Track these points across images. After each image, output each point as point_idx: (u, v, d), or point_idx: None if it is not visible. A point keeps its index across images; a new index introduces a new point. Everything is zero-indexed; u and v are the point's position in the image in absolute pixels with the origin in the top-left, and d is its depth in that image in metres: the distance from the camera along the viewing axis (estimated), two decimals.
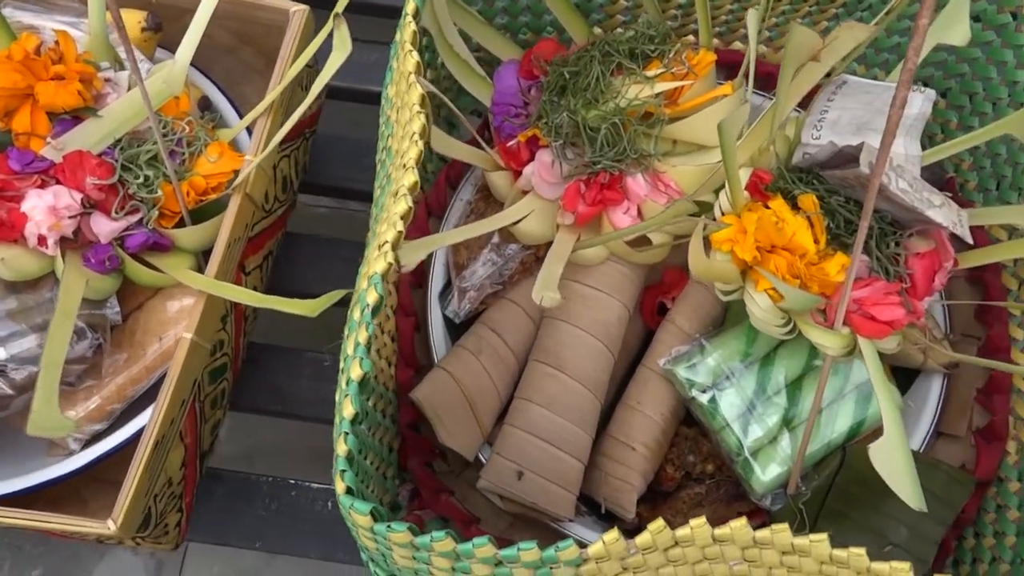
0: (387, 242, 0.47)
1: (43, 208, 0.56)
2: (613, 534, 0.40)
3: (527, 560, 0.40)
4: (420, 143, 0.49)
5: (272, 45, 0.67)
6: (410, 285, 0.63)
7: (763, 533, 0.40)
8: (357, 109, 0.82)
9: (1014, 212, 0.59)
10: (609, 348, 0.60)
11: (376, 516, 0.41)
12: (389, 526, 0.40)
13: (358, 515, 0.41)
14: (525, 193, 0.62)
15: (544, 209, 0.61)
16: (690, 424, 0.61)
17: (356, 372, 0.45)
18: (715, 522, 0.40)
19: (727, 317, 0.62)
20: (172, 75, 0.61)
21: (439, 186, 0.68)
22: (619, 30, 0.70)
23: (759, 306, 0.53)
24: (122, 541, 0.59)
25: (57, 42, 0.59)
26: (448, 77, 0.66)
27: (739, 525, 0.40)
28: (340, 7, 0.58)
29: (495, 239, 0.64)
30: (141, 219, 0.59)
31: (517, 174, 0.62)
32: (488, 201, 0.66)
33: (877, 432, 0.50)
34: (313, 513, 0.69)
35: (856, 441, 0.58)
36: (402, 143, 0.52)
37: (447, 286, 0.65)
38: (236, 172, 0.61)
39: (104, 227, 0.57)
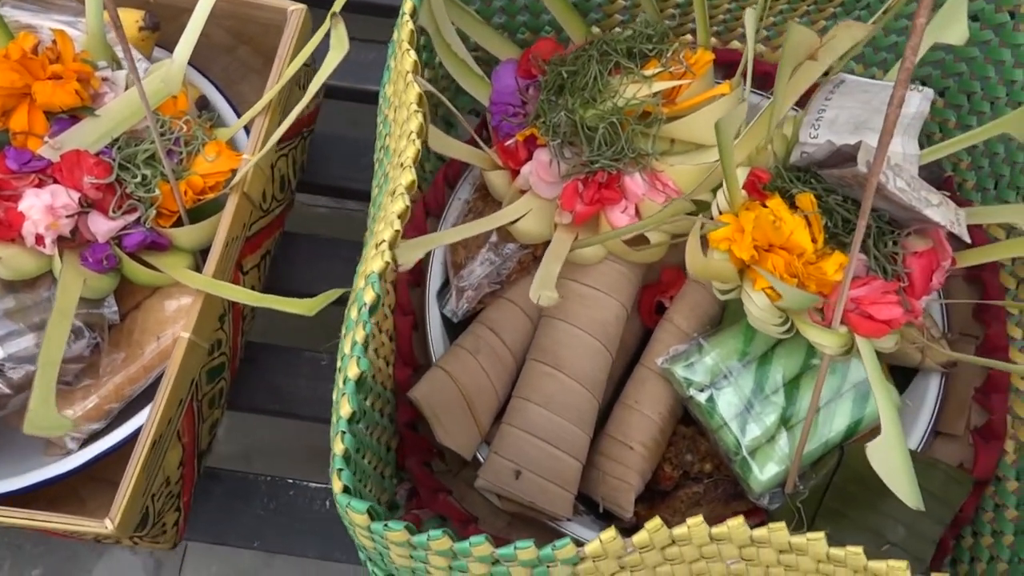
0: (384, 241, 0.47)
1: (40, 207, 0.56)
2: (610, 533, 0.40)
3: (524, 559, 0.40)
4: (417, 142, 0.49)
5: (270, 44, 0.67)
6: (408, 284, 0.63)
7: (760, 532, 0.40)
8: (355, 108, 0.82)
9: (1012, 211, 0.59)
10: (607, 347, 0.60)
11: (373, 515, 0.41)
12: (386, 525, 0.40)
13: (355, 514, 0.41)
14: (523, 192, 0.62)
15: (542, 208, 0.61)
16: (688, 423, 0.61)
17: (353, 371, 0.45)
18: (713, 521, 0.40)
19: (725, 316, 0.62)
20: (170, 74, 0.61)
21: (437, 185, 0.68)
22: (617, 29, 0.70)
23: (757, 305, 0.53)
24: (120, 540, 0.59)
25: (55, 41, 0.59)
26: (446, 76, 0.66)
27: (736, 524, 0.40)
28: (337, 6, 0.58)
29: (493, 238, 0.64)
30: (139, 218, 0.59)
31: (515, 173, 0.62)
32: (486, 200, 0.66)
33: (875, 431, 0.50)
34: (311, 512, 0.69)
35: (854, 440, 0.58)
36: (399, 142, 0.52)
37: (445, 285, 0.65)
38: (234, 171, 0.61)
39: (102, 226, 0.57)
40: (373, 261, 0.47)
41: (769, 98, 0.60)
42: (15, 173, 0.56)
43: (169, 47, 0.63)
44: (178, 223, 0.61)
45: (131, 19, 0.65)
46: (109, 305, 0.61)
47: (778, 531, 0.40)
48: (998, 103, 0.64)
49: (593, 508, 0.60)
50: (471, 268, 0.64)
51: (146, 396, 0.59)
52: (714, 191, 0.57)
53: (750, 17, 0.56)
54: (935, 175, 0.66)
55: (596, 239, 0.59)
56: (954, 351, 0.60)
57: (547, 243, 0.61)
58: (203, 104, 0.68)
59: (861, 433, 0.58)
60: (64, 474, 0.58)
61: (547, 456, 0.58)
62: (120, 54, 0.62)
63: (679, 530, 0.40)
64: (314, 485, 0.70)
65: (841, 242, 0.54)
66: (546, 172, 0.60)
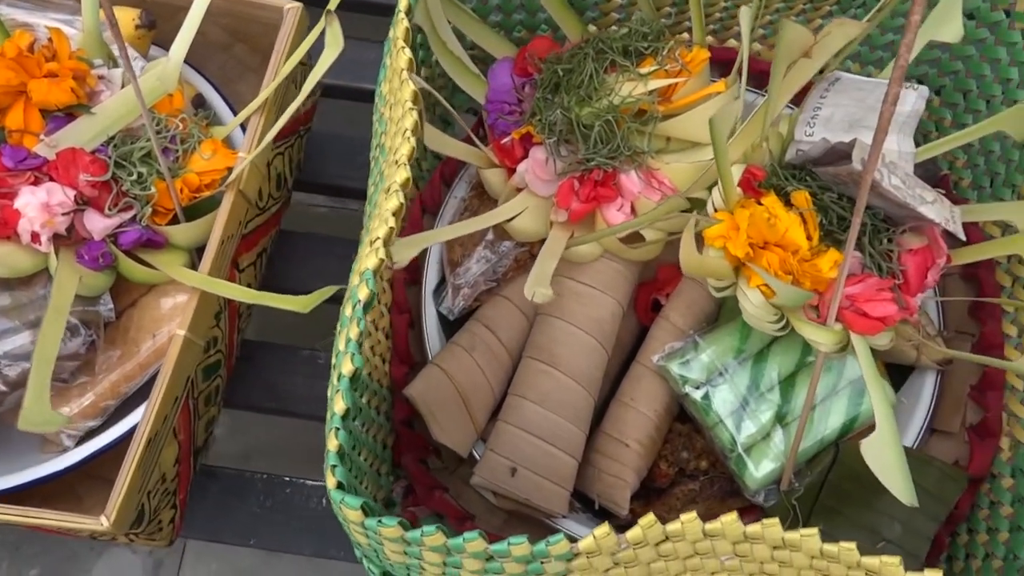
0: (379, 238, 0.47)
1: (36, 205, 0.56)
2: (603, 528, 0.40)
3: (518, 554, 0.40)
4: (412, 139, 0.49)
5: (266, 42, 0.67)
6: (404, 282, 0.63)
7: (753, 528, 0.40)
8: (352, 107, 0.82)
9: (1007, 209, 0.59)
10: (603, 345, 0.60)
11: (367, 511, 0.41)
12: (379, 521, 0.40)
13: (349, 510, 0.41)
14: (519, 190, 0.62)
15: (538, 206, 0.61)
16: (684, 420, 0.61)
17: (347, 367, 0.45)
18: (708, 519, 0.40)
19: (721, 314, 0.62)
20: (166, 72, 0.61)
21: (434, 183, 0.68)
22: (613, 27, 0.71)
23: (752, 302, 0.53)
24: (116, 537, 0.59)
25: (51, 39, 0.59)
26: (442, 75, 0.66)
27: (729, 520, 0.40)
28: (333, 4, 0.59)
29: (489, 236, 0.64)
30: (135, 216, 0.59)
31: (511, 171, 0.62)
32: (482, 198, 0.66)
33: (871, 429, 0.50)
34: (307, 510, 0.69)
35: (849, 437, 0.58)
36: (395, 139, 0.52)
37: (441, 283, 0.65)
38: (230, 169, 0.61)
39: (97, 224, 0.57)
40: (367, 258, 0.47)
41: (764, 96, 0.60)
42: (11, 171, 0.56)
43: (165, 45, 0.63)
44: (174, 221, 0.61)
45: (127, 17, 0.65)
46: (105, 302, 0.61)
47: (771, 527, 0.40)
48: (994, 101, 0.64)
49: (589, 505, 0.60)
50: (467, 266, 0.64)
51: (142, 393, 0.59)
52: (710, 189, 0.57)
53: (745, 15, 0.56)
54: (931, 173, 0.66)
55: (592, 237, 0.59)
56: (950, 348, 0.60)
57: (543, 241, 0.61)
58: (199, 102, 0.68)
59: (857, 430, 0.58)
60: (60, 471, 0.58)
61: (543, 453, 0.58)
62: (116, 52, 0.62)
63: (673, 526, 0.40)
64: (310, 483, 0.70)
65: (836, 239, 0.54)
66: (542, 170, 0.60)
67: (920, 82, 0.68)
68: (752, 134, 0.57)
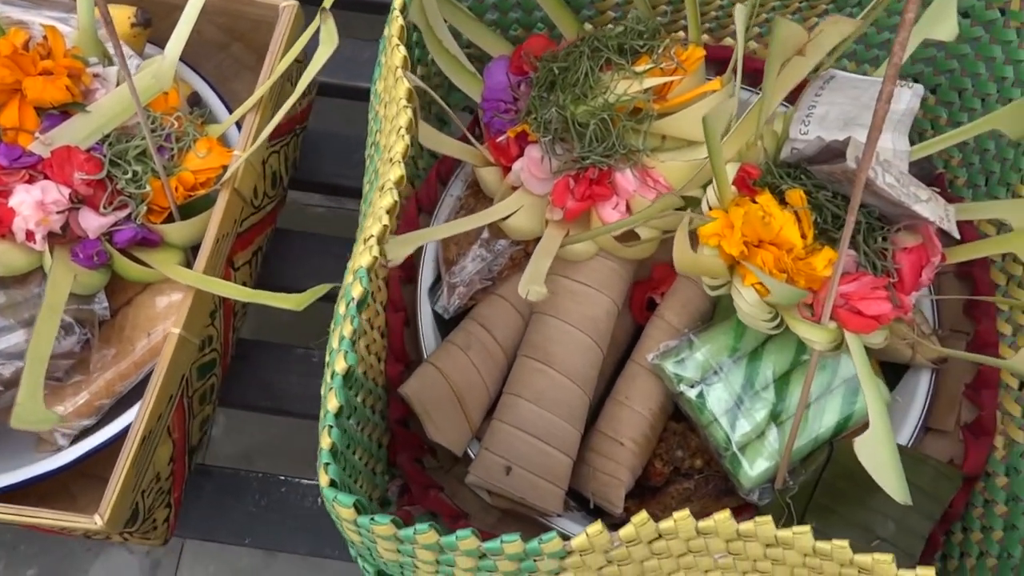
0: (372, 236, 0.47)
1: (31, 203, 0.56)
2: (596, 526, 0.40)
3: (510, 552, 0.40)
4: (407, 137, 0.49)
5: (262, 41, 0.67)
6: (400, 280, 0.63)
7: (747, 526, 0.40)
8: (349, 106, 0.82)
9: (1002, 207, 0.59)
10: (598, 344, 0.60)
11: (359, 508, 0.41)
12: (372, 518, 0.40)
13: (341, 507, 0.41)
14: (514, 189, 0.62)
15: (533, 205, 0.61)
16: (678, 419, 0.61)
17: (340, 365, 0.45)
18: (703, 517, 0.40)
19: (716, 312, 0.62)
20: (161, 71, 0.61)
21: (429, 182, 0.68)
22: (609, 26, 0.70)
23: (746, 300, 0.53)
24: (110, 536, 0.59)
25: (45, 37, 0.59)
26: (439, 74, 0.66)
27: (722, 517, 0.40)
28: (328, 2, 0.59)
29: (485, 235, 0.64)
30: (129, 214, 0.59)
31: (506, 170, 0.62)
32: (478, 197, 0.66)
33: (865, 427, 0.50)
34: (303, 509, 0.69)
35: (844, 436, 0.58)
36: (389, 137, 0.52)
37: (437, 282, 0.65)
38: (225, 167, 0.61)
39: (92, 222, 0.57)
40: (361, 256, 0.47)
41: (760, 94, 0.60)
42: (5, 169, 0.56)
43: (161, 44, 0.63)
44: (169, 219, 0.61)
45: (123, 15, 0.65)
46: (100, 301, 0.61)
47: (764, 525, 0.40)
48: (989, 100, 0.64)
49: (584, 504, 0.60)
50: (463, 264, 0.64)
51: (137, 392, 0.59)
52: (705, 187, 0.57)
53: (740, 13, 0.56)
54: (926, 171, 0.66)
55: (587, 235, 0.59)
56: (944, 347, 0.60)
57: (539, 239, 0.61)
58: (195, 101, 0.68)
59: (851, 429, 0.58)
60: (55, 470, 0.58)
61: (538, 452, 0.58)
62: (111, 50, 0.62)
63: (666, 524, 0.40)
64: (305, 482, 0.70)
65: (831, 238, 0.54)
66: (537, 168, 0.60)
67: (915, 80, 0.68)
68: (747, 132, 0.57)
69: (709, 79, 0.62)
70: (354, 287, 0.46)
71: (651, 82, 0.59)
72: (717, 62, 0.68)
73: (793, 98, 0.61)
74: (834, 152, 0.51)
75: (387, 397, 0.61)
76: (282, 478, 0.70)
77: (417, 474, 0.61)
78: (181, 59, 0.62)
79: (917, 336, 0.59)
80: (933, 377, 0.61)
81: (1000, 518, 0.57)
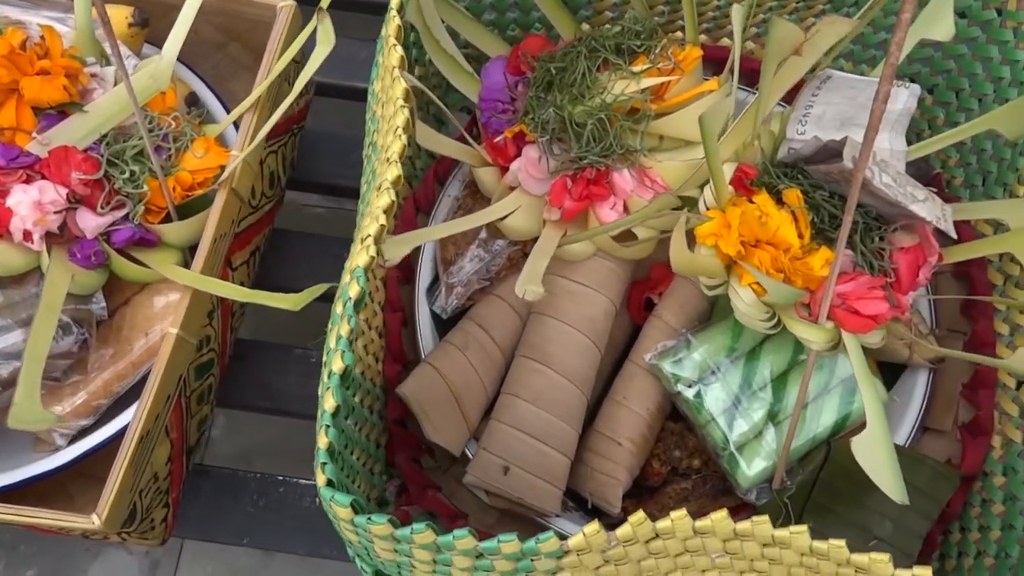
0: (369, 236, 0.47)
1: (28, 203, 0.56)
2: (593, 526, 0.40)
3: (507, 552, 0.40)
4: (404, 137, 0.49)
5: (259, 41, 0.67)
6: (398, 281, 0.63)
7: (743, 525, 0.40)
8: (347, 106, 0.82)
9: (999, 207, 0.59)
10: (595, 343, 0.60)
11: (356, 508, 0.41)
12: (369, 518, 0.40)
13: (338, 507, 0.41)
14: (512, 189, 0.62)
15: (531, 205, 0.61)
16: (676, 419, 0.61)
17: (338, 365, 0.45)
18: (700, 517, 0.40)
19: (713, 312, 0.62)
20: (158, 70, 0.61)
21: (427, 182, 0.68)
22: (606, 26, 0.71)
23: (743, 300, 0.53)
24: (108, 536, 0.59)
25: (43, 37, 0.59)
26: (436, 74, 0.66)
27: (719, 517, 0.40)
28: (325, 2, 0.59)
29: (482, 235, 0.64)
30: (127, 214, 0.59)
31: (504, 170, 0.62)
32: (476, 197, 0.66)
33: (862, 427, 0.50)
34: (301, 509, 0.69)
35: (841, 436, 0.58)
36: (386, 137, 0.52)
37: (435, 282, 0.65)
38: (223, 167, 0.61)
39: (90, 222, 0.57)
40: (358, 256, 0.47)
41: (756, 94, 0.60)
42: (3, 169, 0.56)
43: (159, 44, 0.63)
44: (166, 219, 0.61)
45: (120, 15, 0.65)
46: (97, 301, 0.61)
47: (761, 524, 0.40)
48: (986, 100, 0.64)
49: (582, 504, 0.60)
50: (460, 264, 0.64)
51: (134, 392, 0.59)
52: (702, 187, 0.57)
53: (737, 13, 0.56)
54: (923, 171, 0.66)
55: (584, 235, 0.59)
56: (942, 347, 0.60)
57: (536, 239, 0.61)
58: (192, 101, 0.68)
59: (849, 429, 0.58)
60: (52, 470, 0.58)
61: (535, 452, 0.58)
62: (109, 50, 0.62)
63: (663, 523, 0.40)
64: (304, 482, 0.70)
65: (828, 238, 0.54)
66: (535, 168, 0.60)
67: (912, 80, 0.68)
68: (743, 132, 0.57)
69: (706, 79, 0.62)
70: (351, 287, 0.46)
71: (648, 82, 0.59)
72: (714, 62, 0.68)
73: (790, 98, 0.61)
74: (831, 152, 0.51)
75: (385, 397, 0.61)
76: (280, 478, 0.70)
77: (415, 474, 0.61)
78: (178, 59, 0.62)
79: (914, 336, 0.59)
80: (930, 377, 0.62)
81: (998, 517, 0.57)
